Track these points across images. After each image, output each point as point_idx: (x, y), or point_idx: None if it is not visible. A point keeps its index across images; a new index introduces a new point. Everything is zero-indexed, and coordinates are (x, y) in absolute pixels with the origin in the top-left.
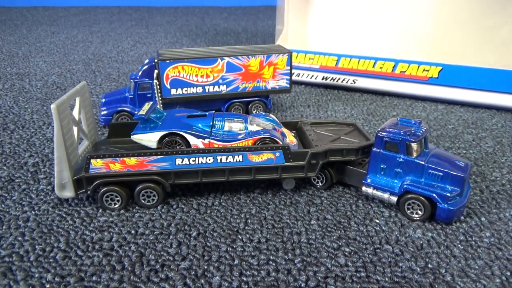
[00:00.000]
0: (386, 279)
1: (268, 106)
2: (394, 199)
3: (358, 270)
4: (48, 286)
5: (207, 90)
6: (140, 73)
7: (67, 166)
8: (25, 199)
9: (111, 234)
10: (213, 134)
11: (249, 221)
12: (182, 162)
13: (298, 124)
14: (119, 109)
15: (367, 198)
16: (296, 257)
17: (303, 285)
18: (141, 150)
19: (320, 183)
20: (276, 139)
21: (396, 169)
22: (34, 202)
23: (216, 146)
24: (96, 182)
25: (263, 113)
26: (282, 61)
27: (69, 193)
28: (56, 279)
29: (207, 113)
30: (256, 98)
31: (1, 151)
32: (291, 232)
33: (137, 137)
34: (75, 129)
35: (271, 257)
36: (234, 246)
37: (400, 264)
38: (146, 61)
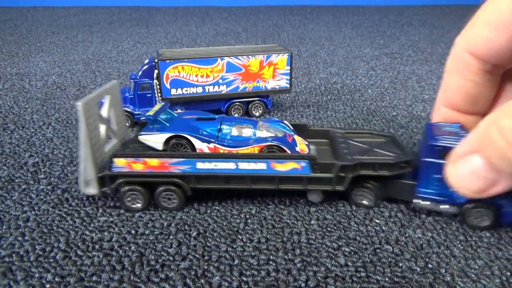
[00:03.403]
0: (386, 279)
1: (268, 106)
2: (453, 209)
3: (358, 270)
4: (48, 286)
5: (207, 90)
6: (140, 73)
7: (92, 163)
8: (25, 199)
9: (111, 234)
10: (219, 138)
11: (249, 221)
12: (203, 166)
13: (330, 133)
14: None
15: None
16: (296, 257)
17: (303, 285)
18: (164, 151)
19: (366, 201)
20: (284, 147)
21: None
22: (34, 202)
23: (221, 151)
24: (118, 181)
25: (277, 119)
26: (282, 61)
27: (93, 190)
28: (56, 279)
29: (216, 117)
30: (256, 98)
31: (1, 151)
32: (291, 232)
33: (144, 138)
34: (102, 127)
35: (271, 257)
36: (234, 246)
37: (400, 264)
38: (146, 61)
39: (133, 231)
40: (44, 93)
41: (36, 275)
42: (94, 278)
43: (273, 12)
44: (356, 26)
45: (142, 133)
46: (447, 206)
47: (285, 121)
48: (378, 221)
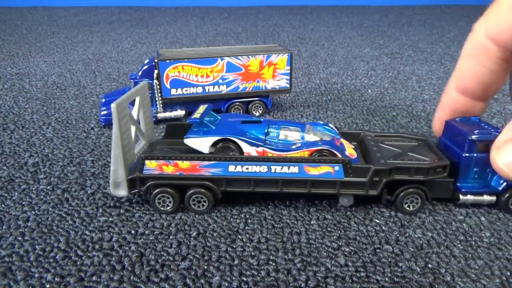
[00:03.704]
0: (386, 279)
1: (268, 106)
2: (493, 198)
3: (358, 270)
4: (48, 286)
5: (207, 90)
6: (140, 73)
7: (123, 165)
8: (25, 199)
9: (111, 234)
10: (267, 142)
11: (249, 221)
12: (235, 169)
13: (360, 136)
14: None
15: (367, 198)
16: (296, 257)
17: (303, 285)
18: (195, 154)
19: (411, 206)
20: (335, 152)
21: (488, 169)
22: (34, 202)
23: (270, 155)
24: (149, 183)
25: (321, 122)
26: (282, 61)
27: (123, 192)
28: (56, 279)
29: (262, 120)
30: (256, 98)
31: (1, 151)
32: (291, 232)
33: (190, 141)
34: (133, 128)
35: (271, 257)
36: (234, 246)
37: (400, 264)
38: (146, 61)
39: (133, 231)
40: (44, 93)
41: (36, 275)
42: (94, 278)
43: (273, 12)
44: (356, 26)
45: (188, 136)
46: (489, 197)
47: (330, 124)
48: (378, 221)
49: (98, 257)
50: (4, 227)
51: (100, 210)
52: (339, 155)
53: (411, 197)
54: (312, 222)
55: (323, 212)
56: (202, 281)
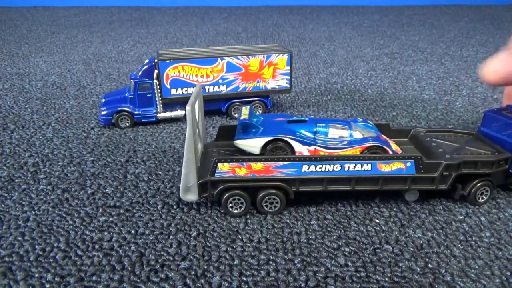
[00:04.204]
0: (386, 279)
1: (268, 106)
2: None
3: (358, 270)
4: (48, 286)
5: (207, 90)
6: (140, 73)
7: (195, 169)
8: (25, 199)
9: (111, 234)
10: (318, 140)
11: (249, 221)
12: (308, 169)
13: (411, 132)
14: (119, 109)
15: (367, 198)
16: (296, 257)
17: (303, 285)
18: (268, 155)
19: (480, 198)
20: (386, 148)
21: None
22: (34, 202)
23: (321, 153)
24: (222, 186)
25: (361, 119)
26: (282, 61)
27: (193, 196)
28: (56, 279)
29: (307, 119)
30: (256, 98)
31: (1, 151)
32: (291, 232)
33: (241, 143)
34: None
35: (271, 257)
36: (234, 246)
37: (400, 264)
38: (146, 61)
39: (133, 231)
40: (44, 93)
41: (36, 275)
42: (94, 278)
43: (273, 12)
44: (356, 26)
45: (239, 137)
46: None
47: (369, 121)
48: (378, 221)
49: (98, 257)
50: (4, 227)
51: (100, 210)
52: (390, 151)
53: (482, 189)
54: (312, 222)
55: (323, 212)
56: (202, 281)
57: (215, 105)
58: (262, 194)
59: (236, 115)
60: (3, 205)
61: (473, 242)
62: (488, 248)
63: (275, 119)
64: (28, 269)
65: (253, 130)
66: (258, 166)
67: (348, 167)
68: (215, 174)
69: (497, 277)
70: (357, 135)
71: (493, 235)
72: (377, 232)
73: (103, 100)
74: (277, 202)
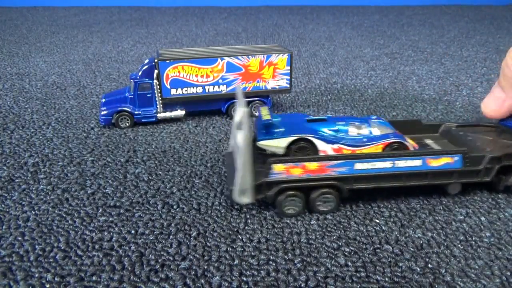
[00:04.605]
0: (386, 279)
1: (268, 106)
2: None
3: (358, 270)
4: (48, 286)
5: (207, 90)
6: (140, 73)
7: (251, 171)
8: (25, 199)
9: (111, 234)
10: (340, 138)
11: (249, 221)
12: (361, 166)
13: (442, 127)
14: (119, 109)
15: (367, 198)
16: (296, 257)
17: (303, 285)
18: (321, 155)
19: None
20: (406, 144)
21: None
22: (34, 202)
23: (345, 151)
24: (278, 187)
25: (375, 116)
26: (282, 61)
27: (248, 199)
28: (56, 279)
29: (326, 117)
30: (256, 98)
31: (1, 151)
32: (291, 232)
33: (265, 143)
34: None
35: (271, 257)
36: (234, 246)
37: (400, 264)
38: (146, 61)
39: (133, 231)
40: (44, 93)
41: (36, 275)
42: (94, 278)
43: (273, 12)
44: (356, 26)
45: (262, 138)
46: None
47: (382, 118)
48: (378, 221)
49: (98, 257)
50: (4, 227)
51: (100, 210)
52: (410, 147)
53: None
54: (312, 222)
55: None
56: (202, 281)
57: (215, 105)
58: (317, 193)
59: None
60: (3, 205)
61: (473, 242)
62: (488, 248)
63: (293, 119)
64: (28, 269)
65: (276, 130)
66: (313, 165)
67: (399, 163)
68: (270, 176)
69: (497, 277)
70: (376, 131)
71: (493, 235)
72: (377, 232)
73: (103, 100)
74: (331, 201)
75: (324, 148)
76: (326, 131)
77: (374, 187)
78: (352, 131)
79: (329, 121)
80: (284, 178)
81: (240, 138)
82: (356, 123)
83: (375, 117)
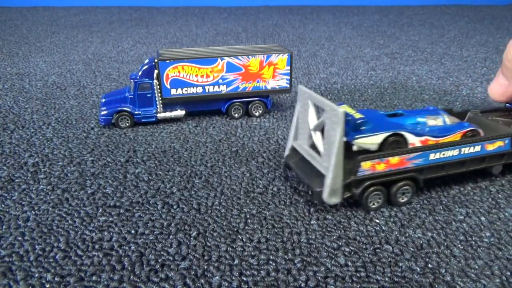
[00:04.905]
0: (386, 279)
1: (268, 106)
2: None
3: (358, 270)
4: (48, 286)
5: (207, 90)
6: (140, 73)
7: (342, 170)
8: (25, 199)
9: (111, 234)
10: (424, 131)
11: (249, 221)
12: (434, 156)
13: (468, 114)
14: (119, 109)
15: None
16: (296, 257)
17: (303, 285)
18: (400, 149)
19: None
20: (479, 131)
21: None
22: (34, 202)
23: (430, 142)
24: (366, 184)
25: (431, 107)
26: (282, 61)
27: (337, 198)
28: (56, 279)
29: (401, 111)
30: (256, 98)
31: (1, 151)
32: (291, 232)
33: (361, 141)
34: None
35: (271, 257)
36: (234, 246)
37: (400, 264)
38: (146, 61)
39: (133, 231)
40: (44, 93)
41: (36, 275)
42: (94, 278)
43: (273, 12)
44: (356, 26)
45: (354, 136)
46: None
47: (437, 107)
48: (378, 221)
49: (98, 257)
50: (4, 227)
51: (100, 210)
52: (482, 133)
53: None
54: (312, 222)
55: (323, 212)
56: (202, 281)
57: (215, 105)
58: (397, 185)
59: (236, 115)
60: (3, 205)
61: (473, 242)
62: (488, 248)
63: (372, 114)
64: (28, 269)
65: (364, 128)
66: (394, 160)
67: (464, 151)
68: (359, 173)
69: (497, 277)
70: (450, 121)
71: (493, 235)
72: (377, 232)
73: (103, 100)
74: (408, 192)
75: (413, 141)
76: (411, 124)
77: (443, 175)
78: (431, 122)
79: (408, 116)
80: (370, 174)
81: (318, 139)
82: (431, 116)
83: (432, 107)
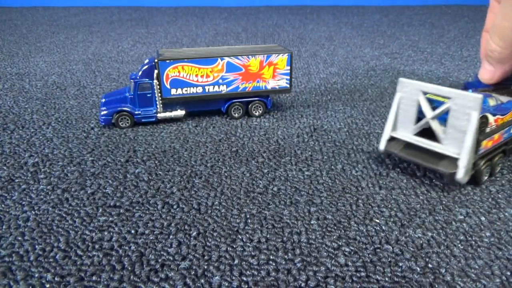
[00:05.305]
0: (386, 279)
1: (268, 106)
2: None
3: (358, 270)
4: (48, 286)
5: (207, 90)
6: (140, 73)
7: (473, 153)
8: (25, 199)
9: (111, 234)
10: (495, 110)
11: (249, 221)
12: (510, 131)
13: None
14: (119, 109)
15: (368, 197)
16: (296, 257)
17: (303, 285)
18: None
19: None
20: None
21: None
22: (34, 202)
23: (499, 121)
24: (484, 160)
25: (470, 90)
26: (282, 61)
27: (467, 177)
28: (56, 279)
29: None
30: (256, 98)
31: (1, 151)
32: (291, 232)
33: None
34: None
35: (271, 257)
36: (234, 246)
37: (400, 264)
38: (146, 61)
39: (133, 231)
40: (44, 93)
41: (36, 275)
42: (94, 277)
43: (273, 12)
44: (356, 26)
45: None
46: None
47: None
48: (378, 221)
49: (98, 257)
50: (4, 227)
51: (100, 210)
52: None
53: None
54: (312, 222)
55: (323, 212)
56: (202, 281)
57: (215, 105)
58: (496, 158)
59: (236, 115)
60: (3, 205)
61: (473, 242)
62: (488, 248)
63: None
64: (28, 269)
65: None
66: (496, 136)
67: None
68: (479, 152)
69: (497, 277)
70: (502, 100)
71: (493, 235)
72: (377, 232)
73: (103, 100)
74: (500, 163)
75: (491, 120)
76: (485, 105)
77: (509, 148)
78: (492, 102)
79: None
80: (484, 152)
81: (437, 126)
82: (489, 95)
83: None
